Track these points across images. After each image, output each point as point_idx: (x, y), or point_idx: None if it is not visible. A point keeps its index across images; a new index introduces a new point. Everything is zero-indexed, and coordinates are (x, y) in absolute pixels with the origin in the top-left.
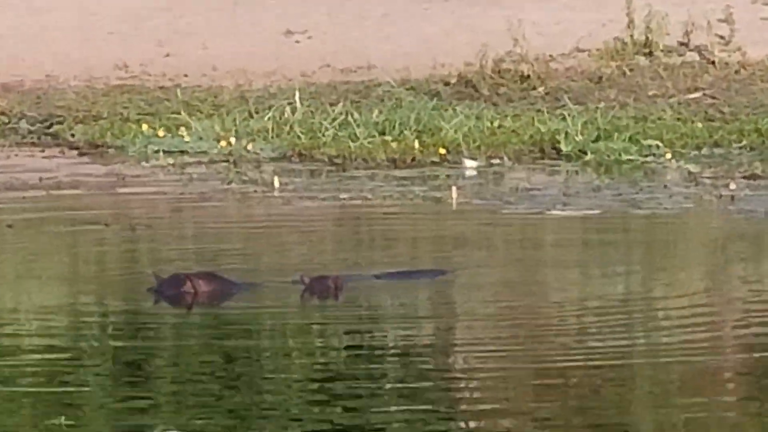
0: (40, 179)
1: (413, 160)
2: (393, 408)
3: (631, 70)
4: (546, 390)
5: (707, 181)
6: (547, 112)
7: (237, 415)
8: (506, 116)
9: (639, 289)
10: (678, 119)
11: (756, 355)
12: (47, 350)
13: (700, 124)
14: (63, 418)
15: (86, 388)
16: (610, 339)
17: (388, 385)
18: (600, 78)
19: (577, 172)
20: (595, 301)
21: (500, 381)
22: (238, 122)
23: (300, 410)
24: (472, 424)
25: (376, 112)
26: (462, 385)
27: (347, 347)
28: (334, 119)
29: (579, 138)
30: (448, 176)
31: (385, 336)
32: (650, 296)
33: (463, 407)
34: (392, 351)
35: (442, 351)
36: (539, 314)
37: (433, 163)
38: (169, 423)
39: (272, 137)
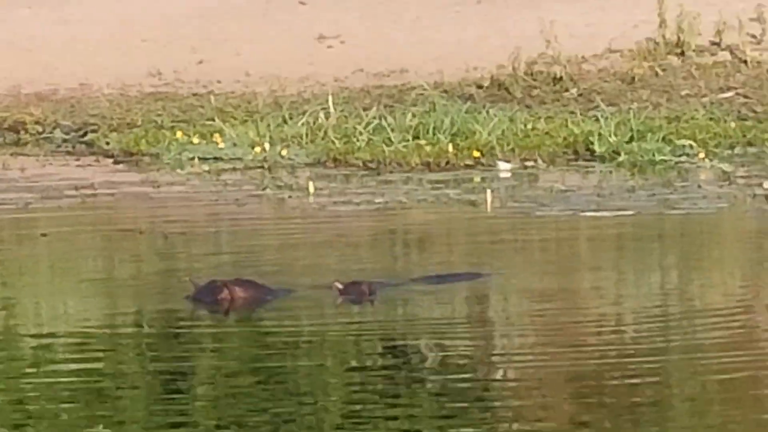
0: (76, 188)
1: (447, 163)
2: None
3: (663, 70)
4: (584, 403)
5: (741, 180)
6: (580, 114)
7: (275, 425)
8: (539, 118)
9: (675, 292)
10: (711, 119)
11: None
12: (85, 360)
13: (733, 124)
14: (101, 426)
15: (124, 400)
16: (647, 345)
17: (427, 404)
18: (632, 78)
19: (611, 173)
20: (632, 304)
21: (538, 394)
22: (272, 128)
23: (337, 428)
24: None
25: (409, 115)
26: (500, 400)
27: (384, 358)
28: (367, 124)
29: (612, 139)
30: (482, 179)
31: (423, 346)
32: (686, 299)
33: (502, 424)
34: (430, 363)
35: (480, 361)
36: (576, 319)
37: (468, 166)
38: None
39: (306, 142)
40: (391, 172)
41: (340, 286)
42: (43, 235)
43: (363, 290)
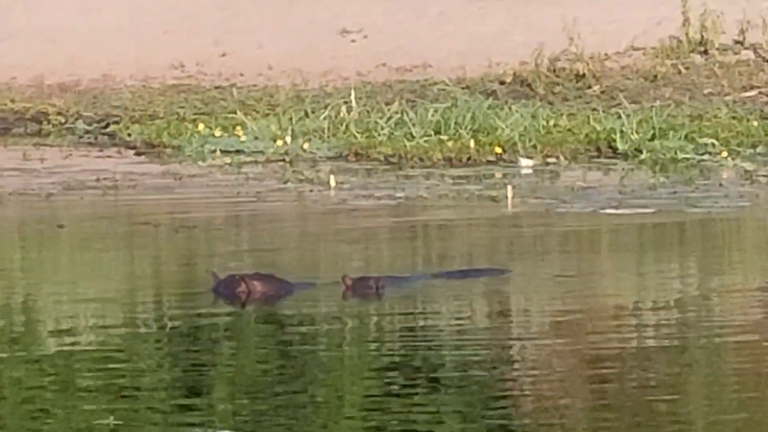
0: (97, 179)
1: (469, 159)
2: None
3: (686, 68)
4: (603, 405)
5: (763, 179)
6: (603, 111)
7: (292, 419)
8: (562, 115)
9: (695, 290)
10: (733, 117)
11: None
12: (102, 350)
13: (755, 122)
14: (112, 418)
15: (140, 389)
16: (666, 342)
17: (445, 399)
18: (655, 76)
19: (632, 171)
20: (651, 303)
21: (555, 396)
22: (294, 121)
23: (355, 416)
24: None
25: (431, 111)
26: (517, 397)
27: (401, 358)
28: (389, 118)
29: (634, 136)
30: (503, 175)
31: (441, 342)
32: (706, 297)
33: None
34: (448, 357)
35: (499, 359)
36: (595, 317)
37: (489, 161)
38: (223, 424)
39: (328, 136)
40: (412, 167)
41: (349, 282)
42: (60, 226)
43: (371, 285)
